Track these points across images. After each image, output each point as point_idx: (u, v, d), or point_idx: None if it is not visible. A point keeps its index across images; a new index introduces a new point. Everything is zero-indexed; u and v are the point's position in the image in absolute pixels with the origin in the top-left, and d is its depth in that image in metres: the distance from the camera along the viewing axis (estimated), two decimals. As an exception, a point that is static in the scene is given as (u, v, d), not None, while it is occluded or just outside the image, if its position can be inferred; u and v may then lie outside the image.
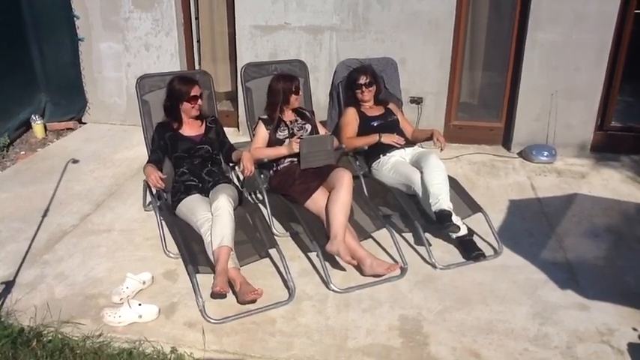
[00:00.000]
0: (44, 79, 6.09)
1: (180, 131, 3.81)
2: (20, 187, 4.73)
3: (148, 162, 3.72)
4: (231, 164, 4.02)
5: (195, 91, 3.75)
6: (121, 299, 3.21)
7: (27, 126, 5.97)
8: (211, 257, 3.28)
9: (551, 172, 5.17)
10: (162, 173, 3.58)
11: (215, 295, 3.17)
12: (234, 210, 3.50)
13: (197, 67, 6.24)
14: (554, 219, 4.28)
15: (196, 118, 3.87)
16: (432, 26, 5.42)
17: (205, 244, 3.35)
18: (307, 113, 4.21)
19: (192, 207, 3.52)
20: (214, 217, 3.35)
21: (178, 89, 3.74)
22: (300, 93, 4.02)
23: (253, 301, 3.19)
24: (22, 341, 2.84)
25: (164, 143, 3.78)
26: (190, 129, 3.84)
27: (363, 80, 4.28)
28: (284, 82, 3.97)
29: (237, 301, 3.21)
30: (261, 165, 3.99)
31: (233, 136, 5.57)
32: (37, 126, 5.90)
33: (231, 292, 3.22)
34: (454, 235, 3.78)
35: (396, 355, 2.86)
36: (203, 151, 3.79)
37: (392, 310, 3.20)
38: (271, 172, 4.00)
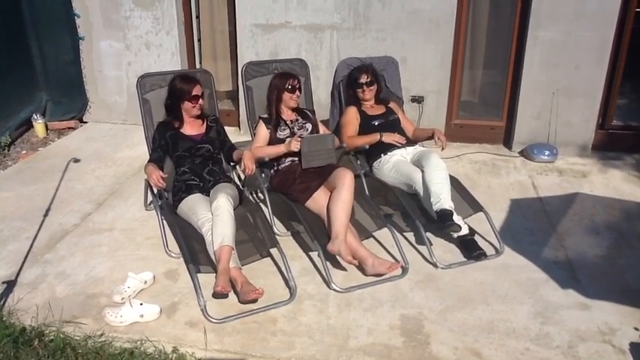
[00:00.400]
0: (45, 78, 6.09)
1: (182, 130, 3.81)
2: (21, 187, 4.73)
3: (148, 161, 3.73)
4: (232, 163, 4.02)
5: (196, 91, 3.75)
6: (122, 299, 3.21)
7: (28, 125, 5.97)
8: (212, 257, 3.28)
9: (553, 171, 5.16)
10: (163, 172, 3.58)
11: (217, 295, 3.17)
12: (235, 209, 3.51)
13: (198, 66, 6.23)
14: (555, 218, 4.27)
15: (197, 117, 3.87)
16: (432, 25, 5.41)
17: (207, 244, 3.35)
18: (308, 112, 4.21)
19: (193, 206, 3.52)
20: (214, 216, 3.35)
21: (180, 88, 3.74)
22: (297, 92, 3.99)
23: (254, 301, 3.19)
24: (23, 341, 2.85)
25: (165, 142, 3.78)
26: (191, 128, 3.84)
27: (363, 79, 4.28)
28: (279, 80, 3.99)
29: (239, 301, 3.21)
30: (262, 164, 3.99)
31: (234, 135, 5.57)
32: (39, 125, 5.90)
33: (232, 291, 3.22)
34: (455, 235, 3.77)
35: (397, 354, 2.86)
36: (204, 151, 3.79)
37: (393, 310, 3.20)
38: (272, 171, 4.00)
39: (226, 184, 3.69)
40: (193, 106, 3.76)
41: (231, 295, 3.24)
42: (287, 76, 3.99)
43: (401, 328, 3.05)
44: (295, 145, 3.80)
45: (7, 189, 4.69)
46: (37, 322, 3.01)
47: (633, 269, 3.62)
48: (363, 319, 3.12)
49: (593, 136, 5.51)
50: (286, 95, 3.95)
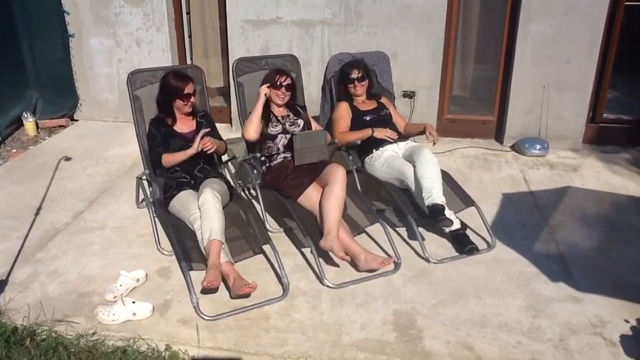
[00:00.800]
0: (35, 76, 6.05)
1: (175, 128, 3.79)
2: (12, 185, 4.71)
3: (159, 155, 3.70)
4: (223, 158, 4.01)
5: (188, 89, 3.73)
6: (114, 297, 3.20)
7: (18, 123, 5.92)
8: (204, 253, 3.28)
9: (544, 165, 5.18)
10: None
11: (205, 291, 3.17)
12: (225, 205, 3.50)
13: (189, 62, 6.21)
14: (546, 212, 4.29)
15: (188, 114, 3.85)
16: (423, 19, 5.41)
17: (198, 240, 3.35)
18: (299, 108, 4.21)
19: (185, 203, 3.52)
20: (201, 212, 3.36)
21: (172, 85, 3.72)
22: (283, 89, 3.94)
23: (247, 296, 3.19)
24: (15, 340, 2.84)
25: (161, 138, 3.76)
26: (183, 125, 3.83)
27: (355, 74, 4.28)
28: (268, 76, 3.99)
29: (230, 296, 3.21)
30: (254, 159, 4.00)
31: (226, 131, 5.58)
32: (29, 123, 5.87)
33: (224, 287, 3.22)
34: (447, 229, 3.77)
35: (390, 349, 2.87)
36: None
37: (386, 305, 3.21)
38: (264, 167, 4.00)
39: (213, 179, 3.69)
40: (185, 104, 3.75)
41: (225, 292, 3.24)
42: (275, 72, 3.98)
43: (394, 323, 3.05)
44: (264, 91, 3.84)
45: (-3, 188, 4.67)
46: (28, 322, 3.00)
47: (624, 262, 3.64)
48: (356, 315, 3.12)
49: (584, 130, 5.53)
50: (272, 91, 3.94)
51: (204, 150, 3.63)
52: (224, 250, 3.30)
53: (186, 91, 3.71)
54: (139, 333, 2.94)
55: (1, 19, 5.62)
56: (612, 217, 4.23)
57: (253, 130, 3.83)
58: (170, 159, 3.68)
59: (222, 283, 3.24)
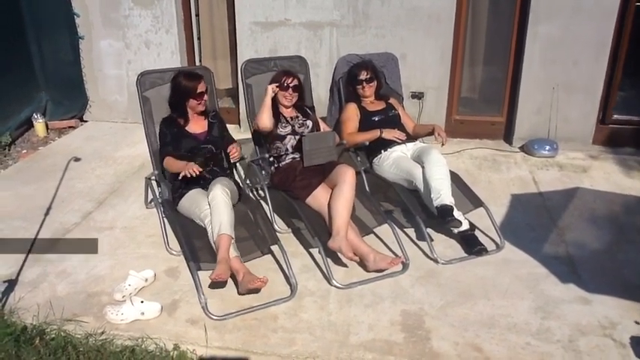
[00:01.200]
0: (45, 78, 6.09)
1: (187, 128, 3.79)
2: (22, 186, 4.74)
3: (165, 156, 3.69)
4: (232, 161, 4.02)
5: (201, 88, 3.73)
6: (123, 297, 3.22)
7: (29, 124, 5.96)
8: (214, 248, 3.29)
9: (553, 166, 5.16)
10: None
11: (213, 285, 3.17)
12: (234, 205, 3.51)
13: (197, 64, 6.22)
14: (555, 213, 4.27)
15: (201, 113, 3.85)
16: (432, 20, 5.40)
17: (209, 235, 3.36)
18: (308, 110, 4.21)
19: (195, 200, 3.53)
20: (211, 208, 3.37)
21: (185, 86, 3.71)
22: (290, 90, 3.94)
23: (257, 291, 3.20)
24: (25, 339, 2.85)
25: (171, 138, 3.76)
26: (196, 125, 3.82)
27: (363, 76, 4.28)
28: (275, 77, 3.99)
29: (239, 292, 3.22)
30: (262, 160, 4.00)
31: (234, 133, 5.54)
32: (39, 124, 5.91)
33: (233, 283, 3.23)
34: (456, 230, 3.77)
35: (398, 350, 2.86)
36: (206, 151, 3.75)
37: (394, 306, 3.20)
38: (273, 168, 4.00)
39: (222, 177, 3.68)
40: (199, 103, 3.75)
41: (233, 291, 3.25)
42: (282, 74, 3.98)
43: (402, 324, 3.05)
44: (272, 87, 3.84)
45: (7, 188, 4.69)
46: (38, 321, 3.02)
47: (633, 264, 3.61)
48: (364, 315, 3.12)
49: (594, 131, 5.50)
50: (279, 93, 3.94)
51: (232, 159, 3.78)
52: (233, 246, 3.31)
53: (199, 90, 3.71)
54: (147, 332, 2.95)
55: (10, 22, 5.66)
56: (621, 218, 4.21)
57: (267, 118, 3.82)
58: (171, 164, 3.64)
59: (230, 280, 3.25)
